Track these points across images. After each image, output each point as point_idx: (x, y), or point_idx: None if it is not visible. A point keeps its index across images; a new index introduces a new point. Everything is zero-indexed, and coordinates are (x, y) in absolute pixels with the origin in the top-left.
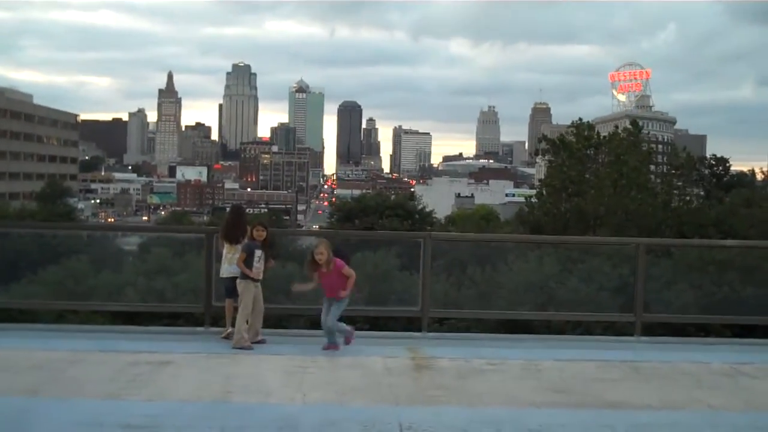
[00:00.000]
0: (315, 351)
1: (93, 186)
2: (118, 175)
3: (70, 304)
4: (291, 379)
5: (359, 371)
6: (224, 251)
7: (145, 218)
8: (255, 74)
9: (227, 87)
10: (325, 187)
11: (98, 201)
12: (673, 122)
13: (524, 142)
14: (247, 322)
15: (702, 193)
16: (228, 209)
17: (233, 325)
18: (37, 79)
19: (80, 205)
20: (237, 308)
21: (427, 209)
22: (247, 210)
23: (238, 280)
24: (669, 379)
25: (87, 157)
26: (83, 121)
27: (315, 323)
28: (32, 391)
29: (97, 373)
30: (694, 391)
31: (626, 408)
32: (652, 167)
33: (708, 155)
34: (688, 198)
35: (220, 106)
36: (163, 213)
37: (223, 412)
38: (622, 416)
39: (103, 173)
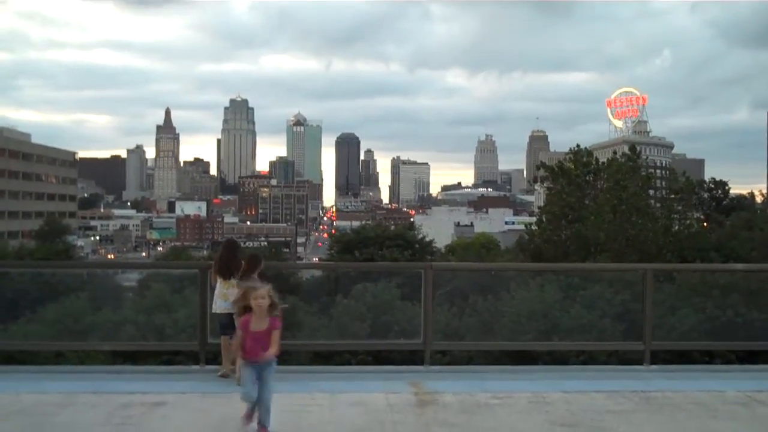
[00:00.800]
0: (314, 388)
1: (92, 223)
2: (117, 212)
3: (65, 344)
4: (289, 419)
5: (360, 408)
6: (218, 286)
7: (143, 254)
8: (252, 109)
9: (225, 122)
10: (325, 219)
11: (98, 238)
12: (671, 147)
13: (522, 170)
14: None
15: (702, 216)
16: (222, 244)
17: (233, 363)
18: (35, 118)
19: (80, 243)
20: (223, 347)
21: (427, 239)
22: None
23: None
24: (682, 410)
25: (86, 195)
26: (82, 158)
27: (316, 358)
28: None
29: (87, 417)
30: (710, 422)
31: None
32: (652, 192)
33: (707, 179)
34: (688, 222)
35: (219, 140)
36: (160, 249)
37: None
38: None
39: (102, 210)
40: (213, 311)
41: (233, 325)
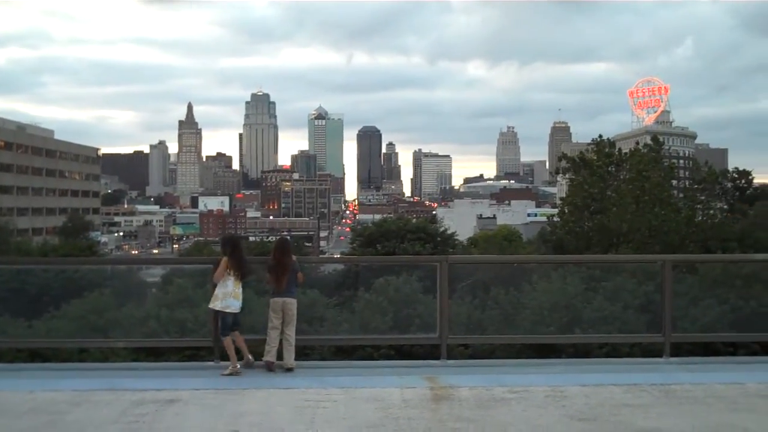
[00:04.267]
0: (330, 383)
1: (116, 219)
2: (140, 208)
3: (86, 341)
4: (303, 415)
5: (375, 404)
6: (230, 285)
7: (175, 247)
8: (274, 103)
9: (247, 116)
10: (347, 212)
11: (121, 234)
12: (693, 137)
13: (545, 162)
14: None
15: (725, 206)
16: (227, 242)
17: (241, 359)
18: (59, 114)
19: (103, 239)
20: (237, 342)
21: (449, 231)
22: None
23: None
24: (702, 403)
25: (109, 191)
26: (105, 154)
27: (338, 352)
28: None
29: (99, 415)
30: (730, 415)
31: None
32: (675, 182)
33: (730, 168)
34: (711, 212)
35: (240, 135)
36: (176, 247)
37: None
38: None
39: (125, 206)
40: (227, 310)
41: (238, 322)
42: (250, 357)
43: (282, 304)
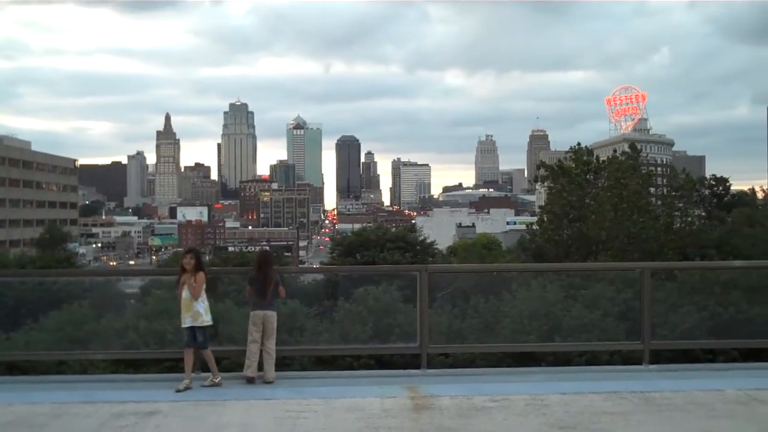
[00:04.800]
0: (310, 393)
1: (94, 230)
2: (118, 219)
3: (65, 354)
4: (283, 426)
5: (355, 414)
6: (204, 300)
7: (154, 258)
8: (252, 112)
9: (225, 126)
10: (327, 222)
11: (99, 245)
12: (671, 144)
13: (523, 170)
14: None
15: (703, 213)
16: (191, 255)
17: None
18: (36, 126)
19: (81, 250)
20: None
21: (429, 240)
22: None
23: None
24: (682, 410)
25: (87, 202)
26: (82, 165)
27: (319, 362)
28: None
29: (79, 428)
30: (709, 422)
31: None
32: (653, 190)
33: (707, 175)
34: (689, 219)
35: (219, 145)
36: (154, 258)
37: None
38: None
39: (103, 217)
40: (201, 324)
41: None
42: (218, 378)
43: (263, 317)
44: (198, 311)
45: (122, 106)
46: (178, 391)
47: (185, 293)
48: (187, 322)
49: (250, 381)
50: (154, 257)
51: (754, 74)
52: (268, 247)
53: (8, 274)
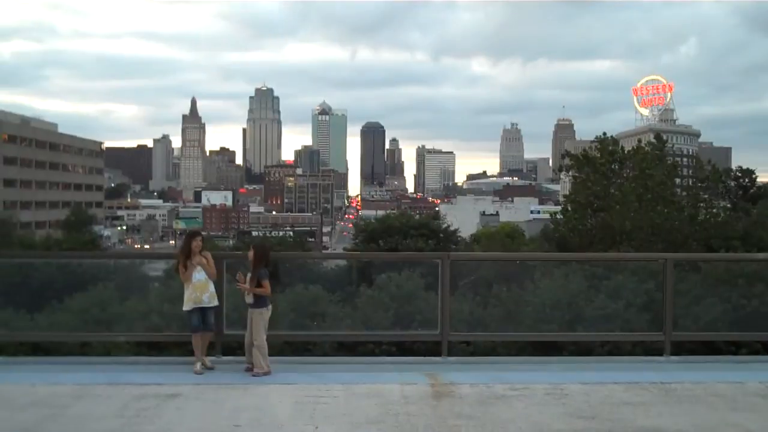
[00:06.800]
0: (331, 379)
1: (119, 213)
2: (143, 202)
3: (89, 335)
4: (303, 411)
5: (375, 400)
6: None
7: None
8: (278, 98)
9: (250, 111)
10: (350, 208)
11: (124, 228)
12: (697, 135)
13: (548, 159)
14: None
15: (729, 205)
16: (201, 238)
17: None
18: (62, 108)
19: (106, 233)
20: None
21: (452, 228)
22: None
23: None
24: (702, 402)
25: (113, 185)
26: (108, 148)
27: (341, 348)
28: (30, 430)
29: (101, 409)
30: (730, 414)
31: None
32: (678, 181)
33: (733, 167)
34: (714, 211)
35: (244, 130)
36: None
37: None
38: None
39: (129, 200)
40: (216, 304)
41: None
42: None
43: (248, 313)
44: (213, 292)
45: (149, 90)
46: (197, 373)
47: (199, 275)
48: (204, 301)
49: (248, 370)
50: (176, 241)
51: None
52: (268, 237)
53: (34, 255)
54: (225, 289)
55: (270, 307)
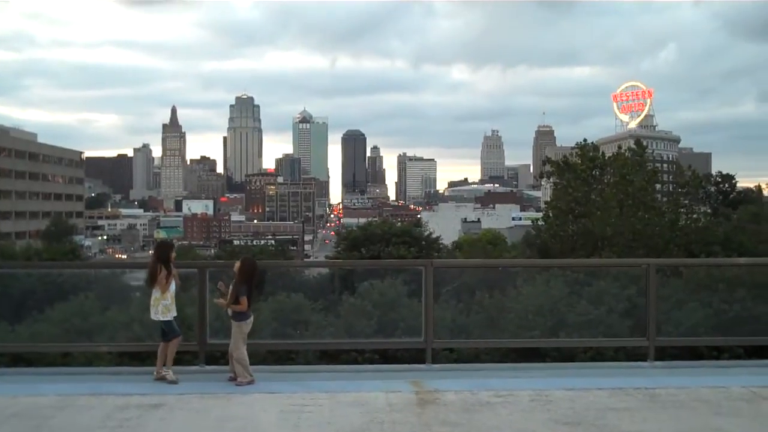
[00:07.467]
0: (315, 387)
1: (100, 222)
2: (124, 211)
3: (69, 345)
4: (288, 420)
5: (360, 409)
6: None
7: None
8: (258, 106)
9: (231, 120)
10: (332, 216)
11: (105, 237)
12: (677, 141)
13: (529, 166)
14: None
15: (709, 210)
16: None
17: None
18: (42, 117)
19: (87, 242)
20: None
21: (434, 235)
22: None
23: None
24: (686, 407)
25: (93, 194)
26: (89, 158)
27: (323, 356)
28: None
29: (83, 420)
30: (714, 419)
31: None
32: (658, 186)
33: (713, 172)
34: (695, 216)
35: (225, 138)
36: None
37: None
38: None
39: (109, 209)
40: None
41: None
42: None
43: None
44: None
45: (128, 99)
46: (175, 382)
47: (173, 285)
48: (172, 314)
49: (231, 379)
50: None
51: (760, 71)
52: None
53: (14, 265)
54: (208, 298)
55: (250, 320)
